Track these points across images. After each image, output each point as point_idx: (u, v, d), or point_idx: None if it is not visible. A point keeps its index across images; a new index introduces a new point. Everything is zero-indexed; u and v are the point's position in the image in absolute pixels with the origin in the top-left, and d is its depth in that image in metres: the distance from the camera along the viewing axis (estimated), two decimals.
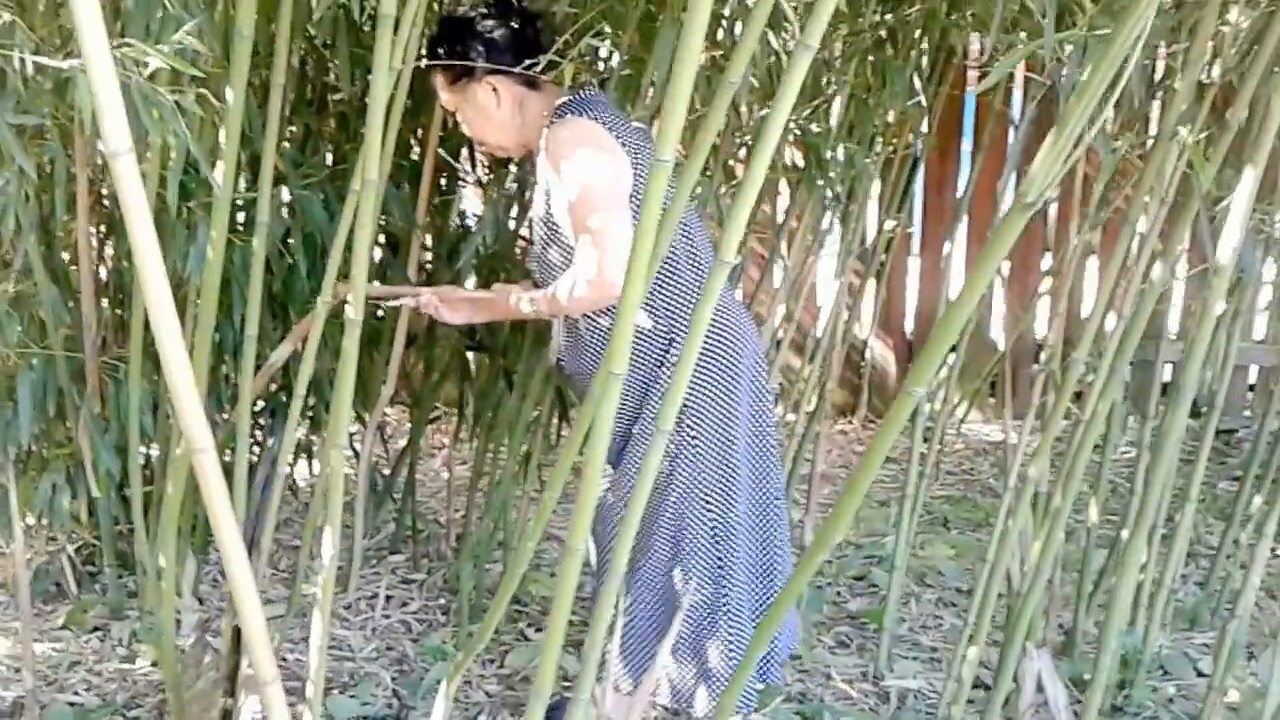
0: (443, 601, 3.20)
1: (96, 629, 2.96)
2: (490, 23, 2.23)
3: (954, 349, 3.04)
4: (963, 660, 2.48)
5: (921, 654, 2.98)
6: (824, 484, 3.90)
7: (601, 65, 2.74)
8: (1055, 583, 2.85)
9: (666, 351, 2.24)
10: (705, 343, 2.23)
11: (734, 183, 2.92)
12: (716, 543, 2.29)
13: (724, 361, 2.27)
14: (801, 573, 1.57)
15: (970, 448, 4.62)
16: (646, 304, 2.23)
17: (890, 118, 3.02)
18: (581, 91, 2.27)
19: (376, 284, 2.58)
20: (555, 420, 3.11)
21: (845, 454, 4.57)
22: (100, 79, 1.18)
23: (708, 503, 2.28)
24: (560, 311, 2.24)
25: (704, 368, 2.25)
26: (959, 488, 4.21)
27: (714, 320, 2.25)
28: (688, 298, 2.25)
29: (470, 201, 3.05)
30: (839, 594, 3.31)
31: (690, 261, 2.27)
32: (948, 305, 1.40)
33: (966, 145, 4.51)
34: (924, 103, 3.06)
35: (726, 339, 2.28)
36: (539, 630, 3.00)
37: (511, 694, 2.73)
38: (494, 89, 2.23)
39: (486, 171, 2.96)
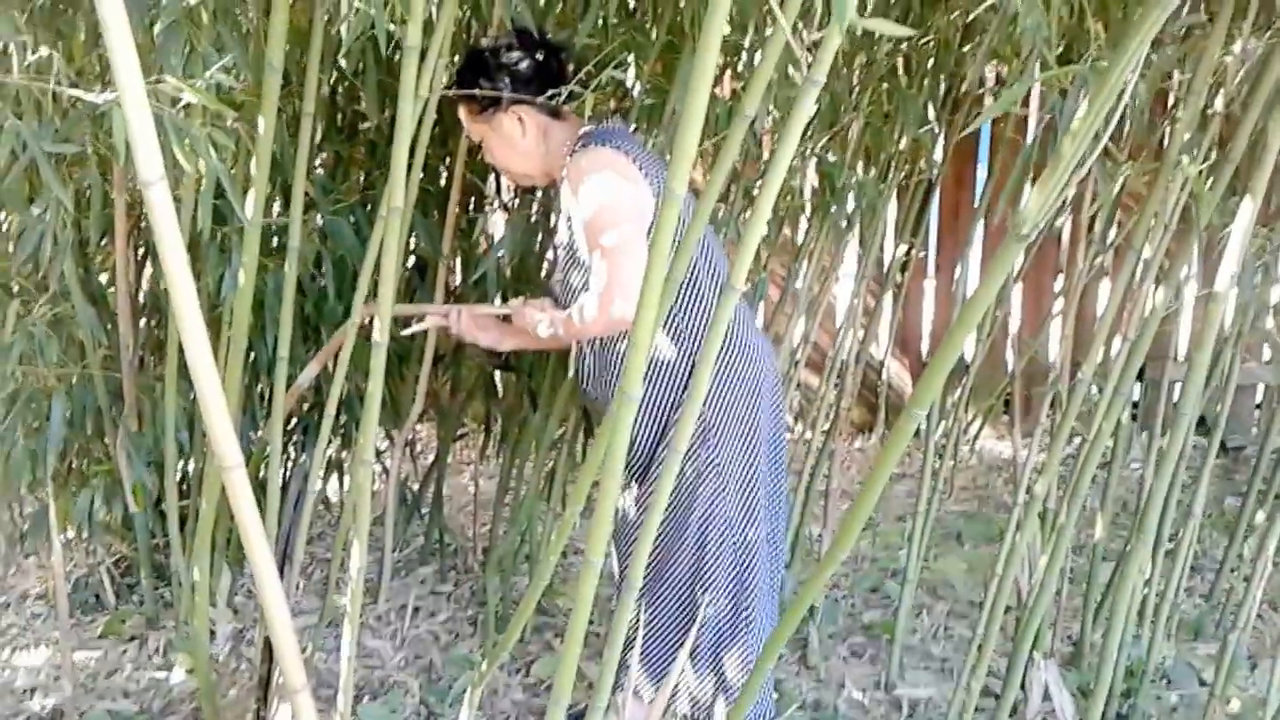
0: (470, 613, 3.27)
1: (133, 638, 3.05)
2: (515, 54, 2.29)
3: (968, 368, 3.10)
4: (972, 670, 2.54)
5: (933, 664, 3.04)
6: (842, 500, 3.96)
7: (624, 96, 2.81)
8: (1063, 595, 2.92)
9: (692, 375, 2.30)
10: (728, 366, 2.30)
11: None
12: (737, 559, 2.35)
13: (746, 384, 2.33)
14: (812, 584, 1.63)
15: (984, 464, 4.67)
16: (672, 328, 2.30)
17: (904, 145, 3.09)
18: (604, 122, 2.34)
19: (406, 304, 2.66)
20: (580, 437, 3.18)
21: (862, 471, 4.63)
22: (134, 112, 1.24)
23: (729, 520, 2.33)
24: (575, 334, 2.29)
25: (727, 390, 2.31)
26: (973, 503, 4.26)
27: (735, 344, 2.33)
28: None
29: (497, 227, 3.12)
30: (854, 605, 3.37)
31: (713, 287, 2.33)
32: (949, 328, 1.46)
33: (981, 171, 4.57)
34: (936, 130, 3.13)
35: (748, 362, 2.34)
36: (564, 640, 3.06)
37: (537, 701, 2.80)
38: (519, 119, 2.29)
39: (512, 196, 3.04)
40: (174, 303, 1.31)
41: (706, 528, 2.33)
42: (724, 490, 2.33)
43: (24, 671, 2.89)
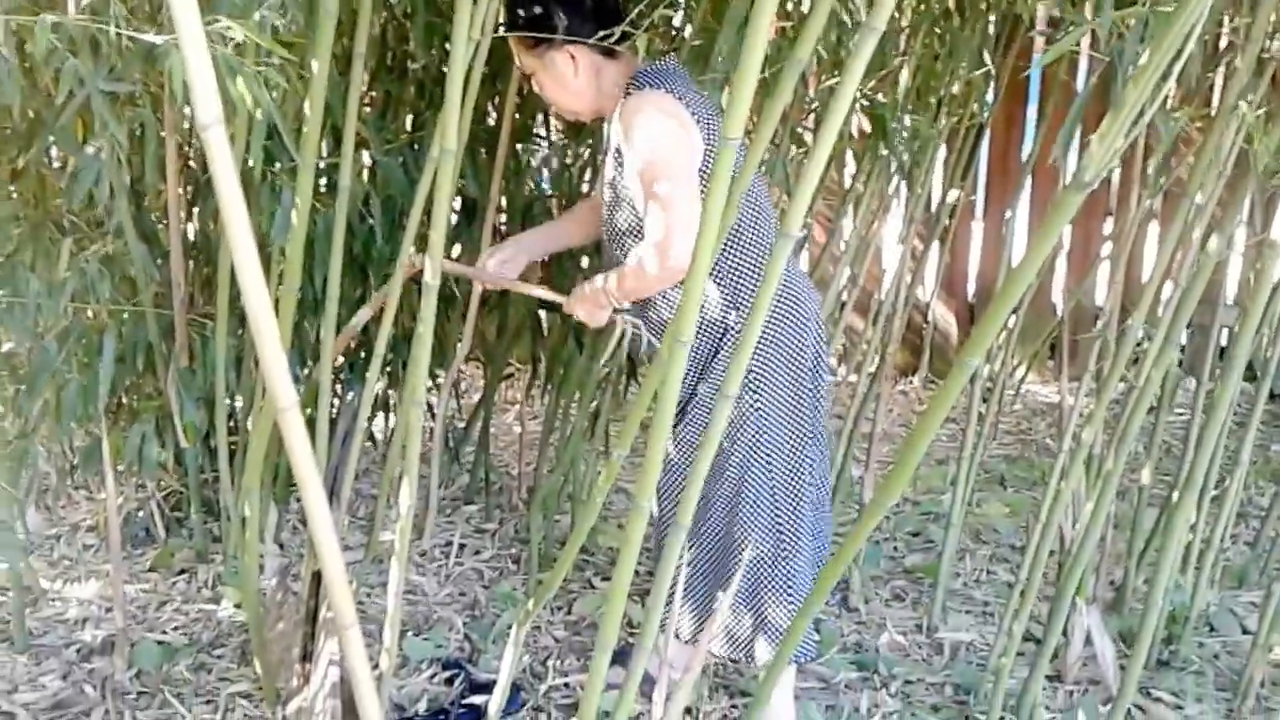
0: (514, 550, 3.31)
1: (182, 572, 3.11)
2: None
3: (1014, 311, 3.08)
4: (1014, 614, 2.55)
5: (974, 608, 3.05)
6: (884, 442, 3.96)
7: (674, 37, 2.79)
8: (1107, 541, 2.91)
9: (729, 315, 2.31)
10: (773, 311, 2.30)
11: (801, 149, 2.97)
12: (776, 502, 2.36)
13: (791, 329, 2.33)
14: (860, 529, 1.64)
15: (1028, 408, 4.65)
16: (714, 270, 2.29)
17: (956, 88, 3.04)
18: (657, 62, 2.32)
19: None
20: (624, 379, 3.20)
21: (905, 413, 4.62)
22: (192, 54, 1.24)
23: (770, 464, 2.34)
24: (637, 288, 2.26)
25: (772, 335, 2.31)
26: (1016, 447, 4.26)
27: (781, 289, 2.31)
28: (751, 263, 2.30)
29: (546, 168, 3.12)
30: (896, 549, 3.38)
31: (754, 228, 2.32)
32: (1004, 280, 1.45)
33: (1031, 112, 4.51)
34: (991, 72, 3.08)
35: (794, 307, 2.33)
36: (605, 579, 3.11)
37: (578, 639, 2.84)
38: (572, 57, 2.26)
39: (560, 136, 3.03)
40: (231, 246, 1.32)
41: (746, 471, 2.33)
42: (766, 434, 2.33)
43: (75, 603, 2.95)
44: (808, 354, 2.37)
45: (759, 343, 2.29)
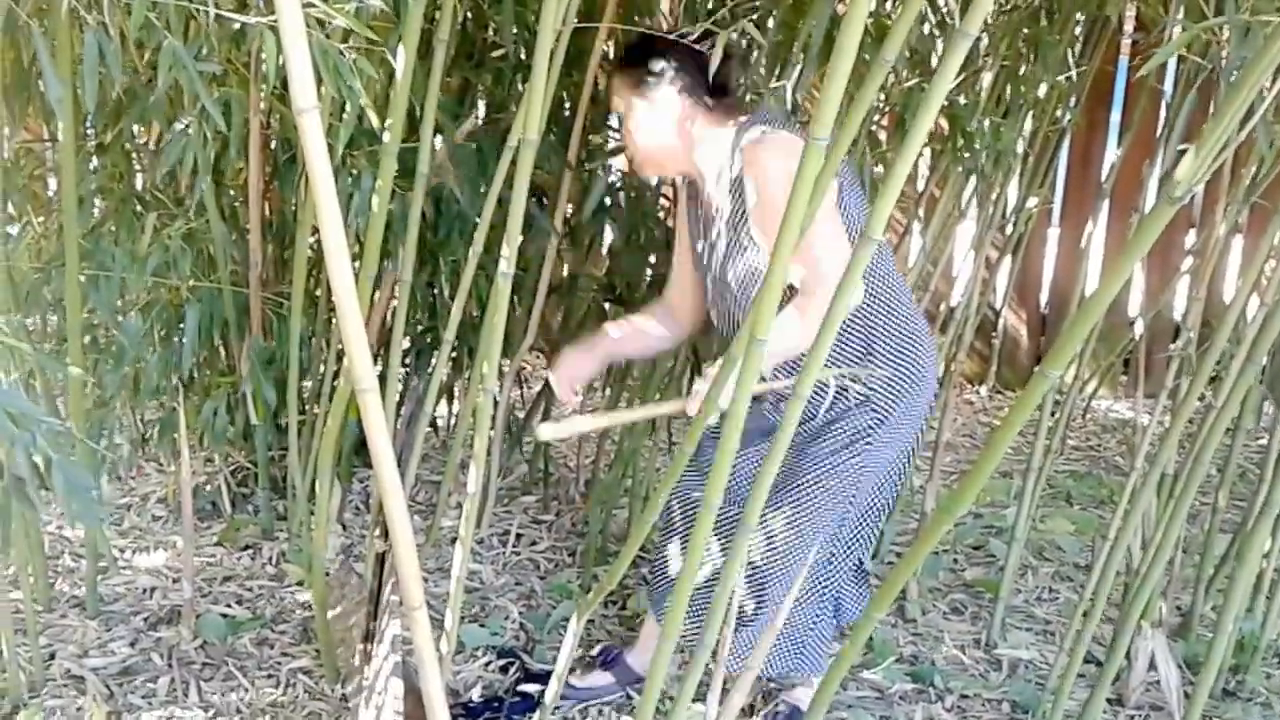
0: (570, 543, 3.32)
1: (247, 547, 3.15)
2: (692, 43, 2.23)
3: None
4: (1076, 634, 2.51)
5: (1035, 625, 3.01)
6: (947, 452, 3.91)
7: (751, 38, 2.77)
8: (1175, 564, 2.86)
9: (866, 354, 2.29)
10: (917, 364, 2.32)
11: (879, 151, 2.94)
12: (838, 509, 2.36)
13: (925, 386, 2.35)
14: (924, 541, 1.62)
15: (1098, 424, 4.58)
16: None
17: (1041, 92, 2.99)
18: (759, 109, 2.32)
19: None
20: (688, 374, 3.18)
21: (970, 423, 4.57)
22: (291, 41, 1.26)
23: (834, 494, 2.32)
24: (796, 345, 2.12)
25: (909, 386, 2.31)
26: (1084, 463, 4.19)
27: (923, 342, 2.35)
28: (882, 312, 2.30)
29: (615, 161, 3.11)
30: (955, 561, 3.35)
31: (884, 279, 2.31)
32: (1088, 298, 1.42)
33: (1115, 117, 4.43)
34: (1074, 78, 3.03)
35: (928, 363, 2.35)
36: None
37: (632, 634, 2.84)
38: (670, 102, 2.27)
39: None
40: (322, 230, 1.34)
41: (810, 491, 2.30)
42: (850, 469, 2.30)
43: (144, 571, 3.00)
44: (923, 410, 2.38)
45: (892, 387, 2.29)
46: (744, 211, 2.23)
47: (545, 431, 2.15)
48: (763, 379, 2.04)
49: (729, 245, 2.29)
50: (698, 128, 2.28)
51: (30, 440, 1.60)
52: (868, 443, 2.28)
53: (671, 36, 2.27)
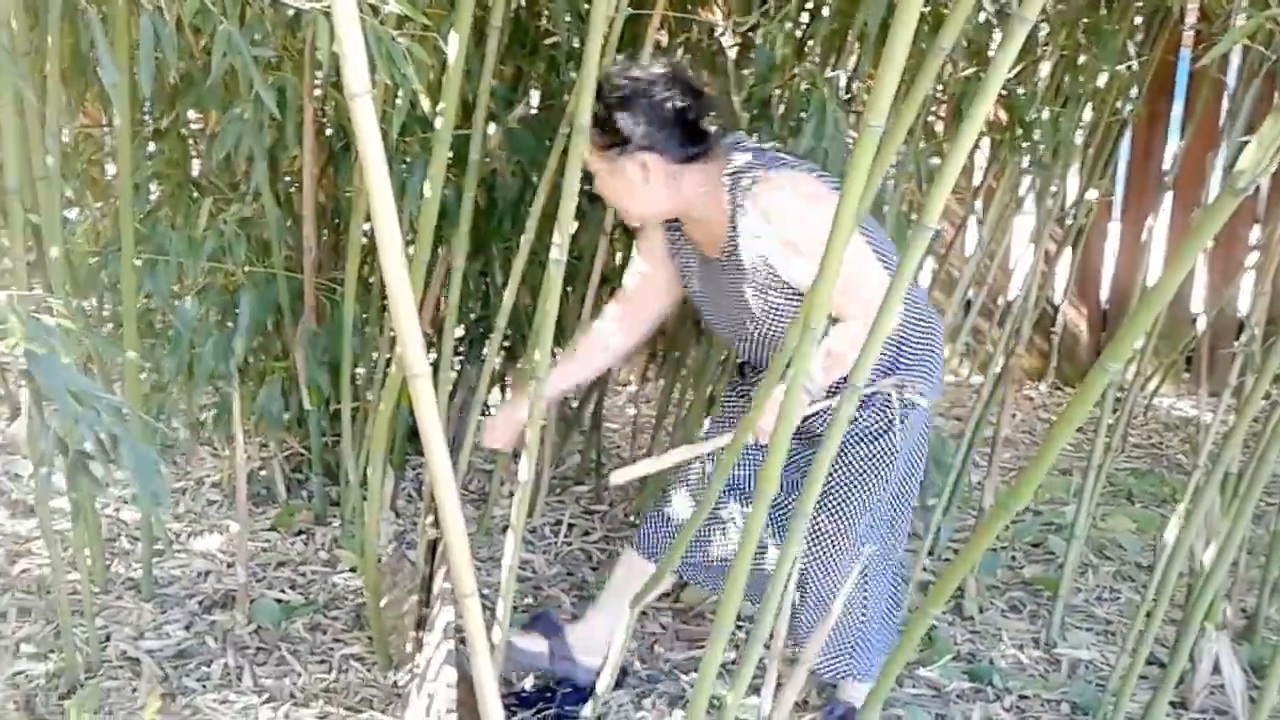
0: (623, 534, 3.30)
1: (301, 533, 3.17)
2: (661, 94, 2.12)
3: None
4: (1139, 635, 2.46)
5: (1096, 625, 2.96)
6: (1005, 448, 3.86)
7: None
8: (1240, 565, 2.79)
9: (895, 362, 2.26)
10: (932, 360, 2.30)
11: (935, 141, 2.90)
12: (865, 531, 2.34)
13: (936, 384, 2.34)
14: (981, 537, 1.59)
15: (1160, 421, 4.49)
16: None
17: (1100, 82, 2.94)
18: (765, 150, 2.23)
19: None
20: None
21: (1030, 419, 4.50)
22: (345, 25, 1.26)
23: (874, 495, 2.31)
24: (845, 360, 2.03)
25: (927, 376, 2.29)
26: (1146, 461, 4.11)
27: (936, 339, 2.31)
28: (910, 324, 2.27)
29: None
30: (1014, 558, 3.29)
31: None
32: (1149, 289, 1.38)
33: (1177, 108, 4.34)
34: (1135, 67, 2.96)
35: (938, 362, 2.33)
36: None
37: (685, 628, 2.82)
38: (643, 165, 2.14)
39: None
40: (374, 216, 1.34)
41: (851, 492, 2.30)
42: (883, 468, 2.29)
43: (199, 555, 3.02)
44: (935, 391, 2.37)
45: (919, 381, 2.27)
46: (762, 255, 2.16)
47: (617, 477, 2.14)
48: (811, 399, 2.01)
49: (756, 285, 2.22)
50: (685, 180, 2.18)
51: (95, 418, 1.61)
52: (889, 436, 2.26)
53: (645, 80, 2.13)
